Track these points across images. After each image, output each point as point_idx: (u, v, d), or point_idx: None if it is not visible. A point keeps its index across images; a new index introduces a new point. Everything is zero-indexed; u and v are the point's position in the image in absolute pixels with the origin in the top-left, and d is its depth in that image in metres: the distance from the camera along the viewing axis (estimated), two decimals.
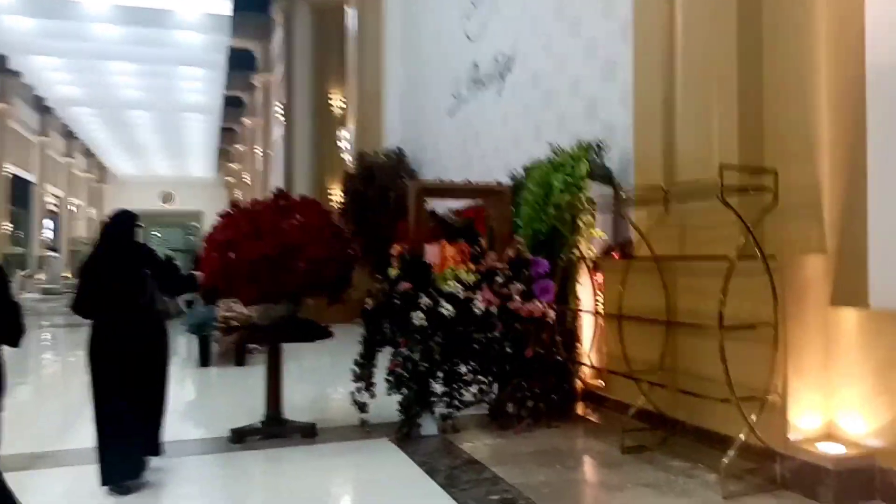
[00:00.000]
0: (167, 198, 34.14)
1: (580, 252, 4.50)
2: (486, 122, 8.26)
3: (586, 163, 4.63)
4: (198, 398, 5.80)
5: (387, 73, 12.52)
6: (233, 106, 30.50)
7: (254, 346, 3.98)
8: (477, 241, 4.49)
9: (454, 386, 4.12)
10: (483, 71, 8.30)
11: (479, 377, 4.17)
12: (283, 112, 21.54)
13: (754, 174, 3.30)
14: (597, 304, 4.55)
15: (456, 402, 4.11)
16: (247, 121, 31.61)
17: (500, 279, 4.34)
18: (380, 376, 4.20)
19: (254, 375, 6.27)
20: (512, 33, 7.47)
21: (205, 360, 7.24)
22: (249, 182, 29.67)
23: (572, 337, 4.59)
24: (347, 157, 12.98)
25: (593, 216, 4.52)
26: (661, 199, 3.78)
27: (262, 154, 28.04)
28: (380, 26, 12.67)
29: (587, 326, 4.67)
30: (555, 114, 6.41)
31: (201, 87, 23.44)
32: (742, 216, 3.12)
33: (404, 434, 3.95)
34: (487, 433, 4.07)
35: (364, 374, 4.17)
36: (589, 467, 3.43)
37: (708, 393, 3.31)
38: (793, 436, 3.13)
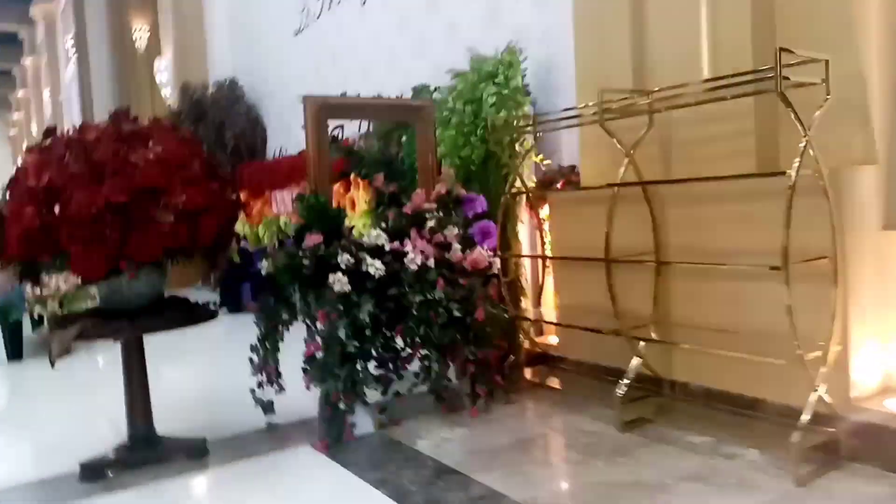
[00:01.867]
0: None
1: (522, 184, 3.62)
2: (348, 40, 7.05)
3: (520, 70, 3.72)
4: (12, 412, 4.32)
5: None
6: (7, 44, 26.22)
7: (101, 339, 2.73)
8: (399, 174, 3.47)
9: (389, 366, 3.13)
10: None
11: (421, 351, 3.19)
12: (74, 47, 18.58)
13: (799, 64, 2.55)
14: (543, 247, 3.71)
15: (394, 388, 3.13)
16: (27, 61, 27.32)
17: (431, 224, 3.36)
18: (288, 363, 3.11)
19: (91, 369, 4.91)
20: None
21: (16, 352, 5.62)
22: (37, 133, 25.68)
23: (516, 289, 3.73)
24: (166, 93, 11.09)
25: (536, 138, 3.63)
26: (642, 110, 2.97)
27: (50, 99, 24.40)
28: None
29: (530, 275, 3.84)
30: (443, 22, 5.39)
31: None
32: (799, 118, 2.36)
33: (334, 438, 2.92)
34: (437, 422, 3.14)
35: (267, 362, 3.06)
36: (598, 459, 2.61)
37: (723, 347, 2.61)
38: (855, 394, 2.51)
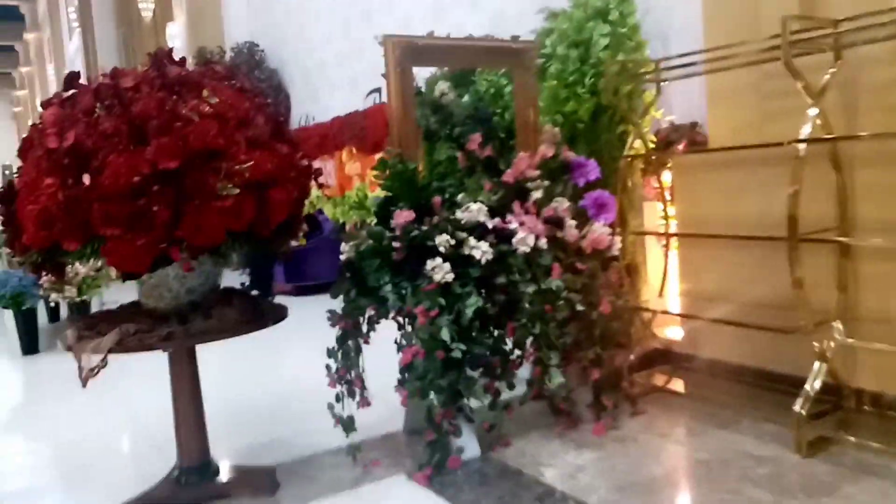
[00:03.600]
0: None
1: (644, 145, 2.97)
2: None
3: (635, 6, 3.05)
4: (26, 419, 3.73)
5: None
6: (9, 19, 25.49)
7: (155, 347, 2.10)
8: (495, 134, 2.82)
9: (497, 372, 2.50)
10: None
11: (534, 353, 2.56)
12: (77, 20, 17.87)
13: None
14: (667, 222, 3.07)
15: (502, 400, 2.51)
16: (30, 36, 26.61)
17: (537, 195, 2.72)
18: (374, 370, 2.50)
19: (122, 363, 4.22)
20: None
21: (31, 345, 5.05)
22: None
23: (636, 274, 3.10)
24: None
25: (658, 88, 2.96)
26: (828, 46, 2.32)
27: (55, 74, 23.77)
28: None
29: (652, 256, 3.21)
30: None
31: None
32: None
33: (436, 463, 2.31)
34: (555, 442, 2.53)
35: (347, 370, 2.44)
36: (794, 499, 2.00)
37: None
38: None
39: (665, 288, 3.07)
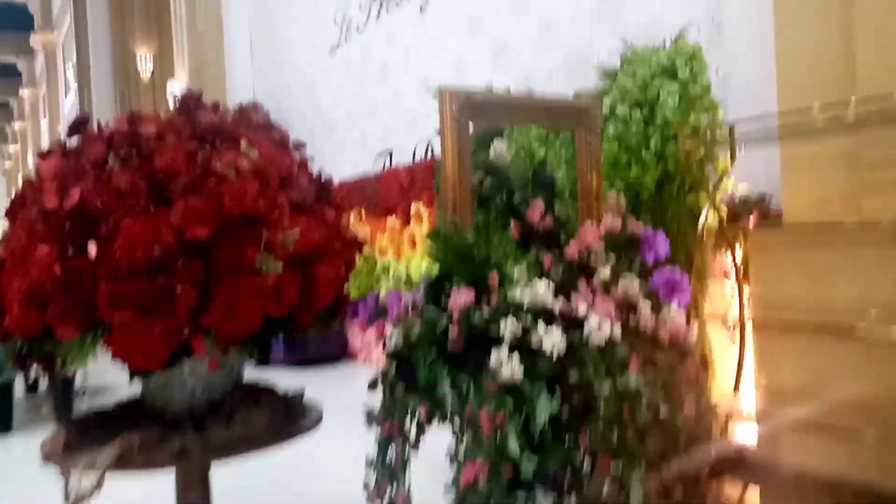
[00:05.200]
0: None
1: (719, 217, 2.64)
2: (401, 52, 6.14)
3: (706, 64, 2.76)
4: None
5: (227, 5, 9.82)
6: (5, 76, 25.53)
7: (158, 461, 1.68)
8: (553, 202, 2.48)
9: (565, 490, 2.09)
10: None
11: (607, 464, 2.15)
12: (75, 76, 17.85)
13: None
14: (742, 306, 2.71)
15: None
16: (25, 92, 26.62)
17: (605, 273, 2.36)
18: (423, 478, 2.08)
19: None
20: None
21: (4, 422, 4.56)
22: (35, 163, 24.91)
23: (706, 367, 2.73)
24: None
25: (733, 155, 2.65)
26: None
27: (48, 130, 23.65)
28: None
29: (720, 346, 2.84)
30: (533, 20, 4.46)
31: None
32: None
33: None
34: None
35: (389, 484, 2.02)
36: None
37: None
38: None
39: (740, 383, 2.69)
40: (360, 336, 6.23)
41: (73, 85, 18.16)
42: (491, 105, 2.31)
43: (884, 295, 1.95)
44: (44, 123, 23.07)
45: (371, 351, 5.94)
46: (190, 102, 1.71)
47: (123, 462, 1.49)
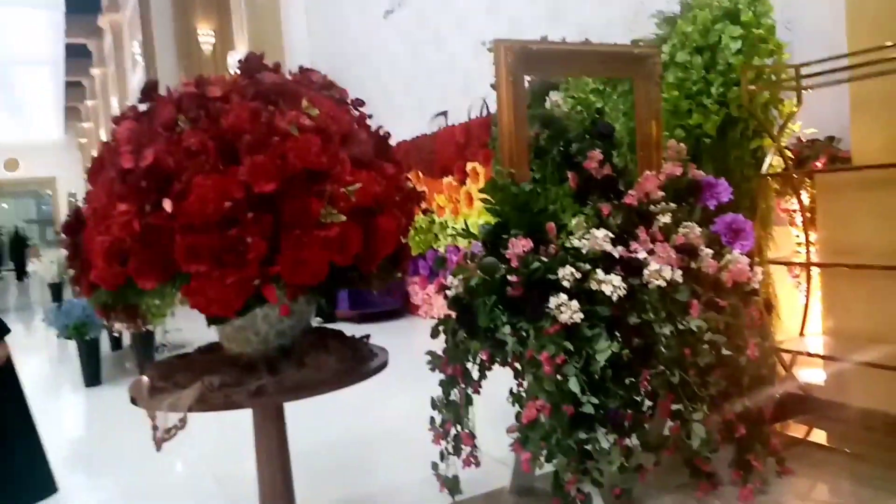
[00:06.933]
0: (11, 165, 29.43)
1: (784, 161, 2.59)
2: (455, 14, 6.11)
3: (770, 5, 2.68)
4: (91, 456, 3.48)
5: None
6: (78, 56, 26.34)
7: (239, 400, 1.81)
8: (611, 152, 2.47)
9: (626, 429, 2.13)
10: None
11: (673, 405, 2.17)
12: (141, 54, 18.30)
13: None
14: (808, 249, 2.66)
15: (634, 461, 2.13)
16: (96, 71, 27.45)
17: (665, 220, 2.35)
18: (484, 421, 2.16)
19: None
20: None
21: (94, 377, 4.87)
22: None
23: (769, 310, 2.70)
24: None
25: (799, 97, 2.58)
26: None
27: (118, 107, 24.37)
28: None
29: (786, 290, 2.80)
30: None
31: (38, 34, 19.86)
32: None
33: None
34: None
35: (454, 423, 2.10)
36: None
37: None
38: None
39: (806, 326, 2.65)
40: (419, 292, 6.39)
41: (140, 62, 18.66)
42: (547, 55, 2.31)
43: None
44: (114, 101, 23.82)
45: (432, 306, 6.07)
46: (253, 64, 1.78)
47: (204, 402, 1.60)
